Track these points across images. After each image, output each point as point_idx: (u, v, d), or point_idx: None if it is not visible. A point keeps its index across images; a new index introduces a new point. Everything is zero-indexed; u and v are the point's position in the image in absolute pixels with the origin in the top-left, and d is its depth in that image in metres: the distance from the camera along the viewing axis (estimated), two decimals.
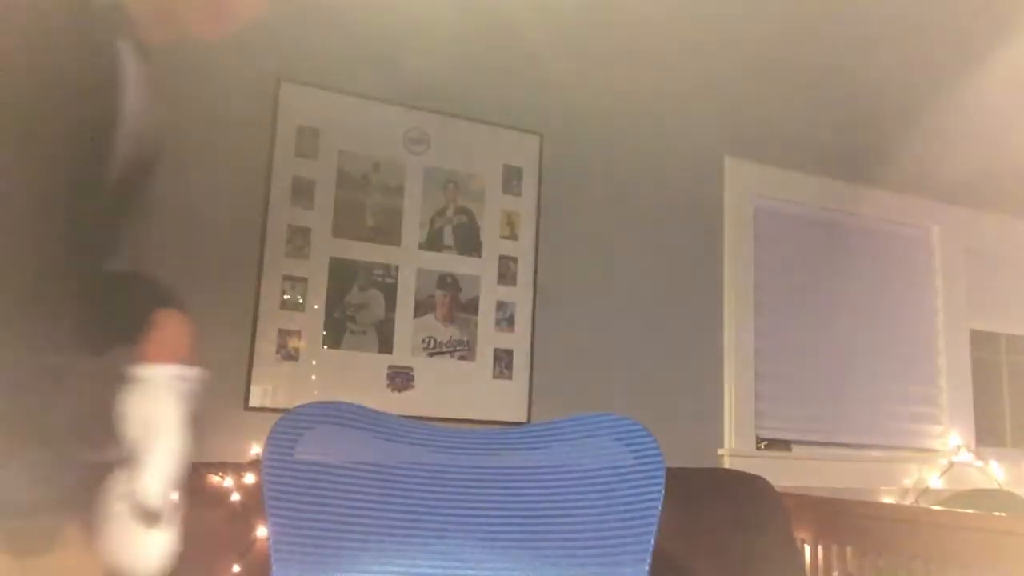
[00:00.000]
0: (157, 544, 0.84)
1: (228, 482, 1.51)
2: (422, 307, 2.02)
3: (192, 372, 0.90)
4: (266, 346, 1.85)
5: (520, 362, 2.10)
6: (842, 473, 2.50)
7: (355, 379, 1.94)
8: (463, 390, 2.03)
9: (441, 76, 2.07)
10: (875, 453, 2.62)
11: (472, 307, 2.07)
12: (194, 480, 1.47)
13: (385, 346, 1.97)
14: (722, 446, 2.35)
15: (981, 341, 2.91)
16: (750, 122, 2.51)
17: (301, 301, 1.91)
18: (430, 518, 0.90)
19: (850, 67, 2.41)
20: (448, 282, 2.06)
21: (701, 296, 2.39)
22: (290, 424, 0.94)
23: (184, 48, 1.85)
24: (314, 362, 1.90)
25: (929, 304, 2.83)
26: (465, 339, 2.05)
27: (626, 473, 0.93)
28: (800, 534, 1.97)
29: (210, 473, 1.51)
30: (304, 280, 1.91)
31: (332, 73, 1.99)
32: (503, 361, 2.09)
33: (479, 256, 2.10)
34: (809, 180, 2.66)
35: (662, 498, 0.91)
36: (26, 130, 0.80)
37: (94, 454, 0.87)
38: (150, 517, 0.83)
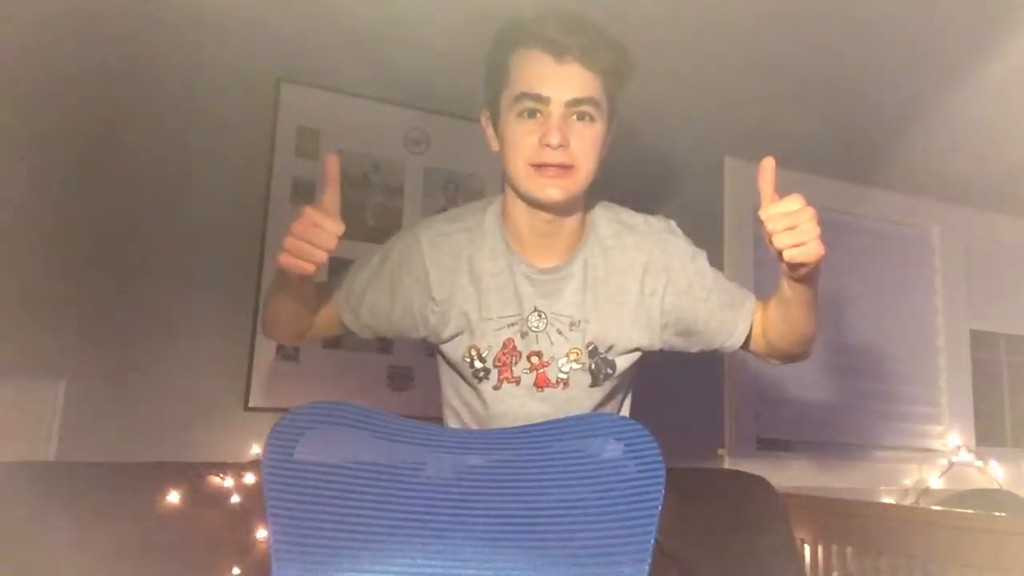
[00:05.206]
0: None
1: (228, 482, 1.51)
2: None
3: None
4: (266, 346, 1.85)
5: None
6: (842, 473, 2.50)
7: (355, 379, 1.94)
8: None
9: (441, 76, 2.07)
10: (875, 453, 2.62)
11: None
12: (194, 480, 1.48)
13: (385, 346, 1.97)
14: (722, 446, 2.34)
15: (981, 341, 2.91)
16: (750, 122, 2.50)
17: None
18: (430, 518, 0.90)
19: (850, 67, 2.41)
20: None
21: None
22: (290, 424, 0.94)
23: (184, 48, 1.86)
24: (314, 362, 1.90)
25: (929, 304, 2.83)
26: None
27: (626, 473, 0.93)
28: (800, 534, 1.96)
29: (210, 473, 1.51)
30: None
31: (332, 73, 1.99)
32: None
33: None
34: (809, 180, 2.65)
35: (662, 498, 0.91)
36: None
37: None
38: None
